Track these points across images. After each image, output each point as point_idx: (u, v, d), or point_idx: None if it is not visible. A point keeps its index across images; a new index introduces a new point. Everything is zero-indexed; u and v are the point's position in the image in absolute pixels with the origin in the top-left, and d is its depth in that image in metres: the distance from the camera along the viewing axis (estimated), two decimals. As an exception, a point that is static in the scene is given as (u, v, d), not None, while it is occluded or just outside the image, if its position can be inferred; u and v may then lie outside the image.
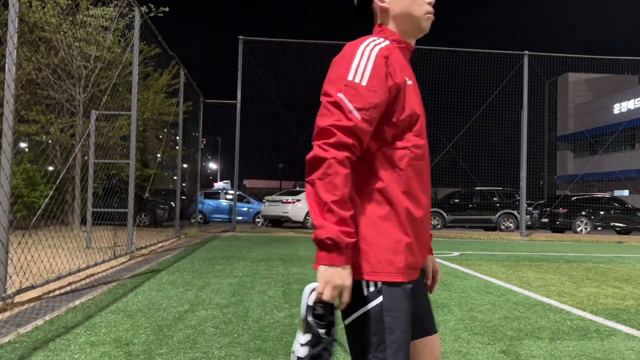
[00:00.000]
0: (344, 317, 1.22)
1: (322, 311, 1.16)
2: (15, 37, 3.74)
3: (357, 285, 1.17)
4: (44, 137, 11.71)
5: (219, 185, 28.67)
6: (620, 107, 38.21)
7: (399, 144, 1.21)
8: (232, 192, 17.52)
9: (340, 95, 1.14)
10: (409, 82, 1.24)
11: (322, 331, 1.14)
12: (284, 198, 15.83)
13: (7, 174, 3.66)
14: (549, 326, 3.49)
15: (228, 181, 28.46)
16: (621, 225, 17.31)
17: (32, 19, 10.34)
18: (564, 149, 45.29)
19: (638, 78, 41.20)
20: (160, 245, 8.86)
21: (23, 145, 12.84)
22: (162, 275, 5.37)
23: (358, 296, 1.17)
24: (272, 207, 16.07)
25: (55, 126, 11.60)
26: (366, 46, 1.21)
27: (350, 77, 1.16)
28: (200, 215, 17.57)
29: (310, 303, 1.13)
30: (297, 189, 17.54)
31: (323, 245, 1.08)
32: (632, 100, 37.13)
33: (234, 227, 14.24)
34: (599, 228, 17.36)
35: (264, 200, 16.66)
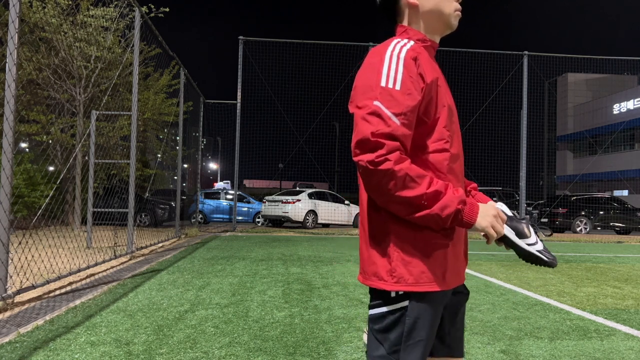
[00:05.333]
0: (370, 308, 1.24)
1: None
2: (15, 37, 3.75)
3: (388, 292, 1.20)
4: (45, 137, 11.71)
5: (219, 185, 28.67)
6: (620, 107, 38.21)
7: (436, 146, 1.20)
8: (232, 192, 17.53)
9: (377, 103, 1.13)
10: (440, 82, 1.23)
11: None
12: (284, 198, 15.84)
13: (8, 174, 3.67)
14: (549, 326, 3.50)
15: (228, 181, 28.44)
16: (620, 225, 17.32)
17: (33, 19, 10.35)
18: (564, 149, 45.30)
19: (638, 78, 41.23)
20: (160, 245, 8.86)
21: (24, 145, 12.84)
22: (163, 275, 5.38)
23: (386, 295, 1.19)
24: (272, 207, 16.07)
25: (55, 126, 11.60)
26: (393, 49, 1.20)
27: (383, 84, 1.14)
28: (201, 215, 17.58)
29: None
30: (297, 189, 17.53)
31: (460, 213, 1.13)
32: (631, 101, 37.14)
33: (234, 227, 14.25)
34: (599, 228, 17.37)
35: (264, 200, 16.67)
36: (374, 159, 1.09)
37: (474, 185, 1.46)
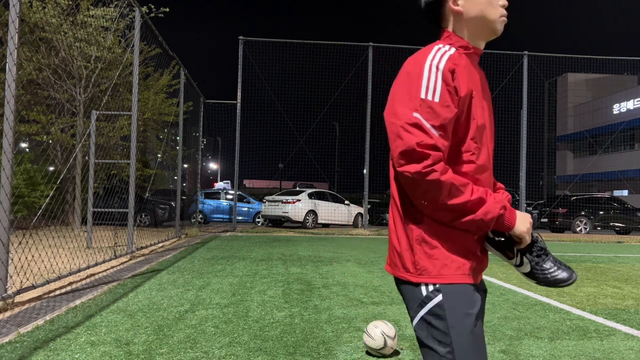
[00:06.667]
0: (412, 317, 1.26)
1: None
2: (16, 37, 3.75)
3: (418, 288, 1.22)
4: (45, 137, 11.72)
5: (219, 185, 28.67)
6: (620, 108, 38.21)
7: (463, 157, 1.23)
8: (232, 192, 17.53)
9: (417, 115, 1.14)
10: (474, 94, 1.25)
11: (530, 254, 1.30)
12: (284, 198, 15.84)
13: (8, 174, 3.67)
14: (549, 326, 3.50)
15: (228, 181, 28.45)
16: (620, 225, 17.31)
17: (33, 20, 10.35)
18: (564, 149, 45.30)
19: (638, 78, 41.23)
20: (160, 245, 8.87)
21: (24, 145, 12.84)
22: (163, 275, 5.38)
23: (419, 299, 1.22)
24: (272, 207, 16.08)
25: (55, 126, 11.60)
26: (433, 57, 1.20)
27: (423, 95, 1.16)
28: (201, 215, 17.58)
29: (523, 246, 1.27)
30: (297, 189, 17.53)
31: (502, 217, 1.18)
32: (631, 101, 37.14)
33: (234, 227, 14.25)
34: (599, 228, 17.36)
35: (264, 200, 16.67)
36: (421, 169, 1.12)
37: (501, 185, 1.48)
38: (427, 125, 1.13)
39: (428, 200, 1.16)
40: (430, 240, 1.21)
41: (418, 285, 1.22)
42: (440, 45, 1.26)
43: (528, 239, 1.23)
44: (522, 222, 1.21)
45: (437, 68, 1.18)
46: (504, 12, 1.31)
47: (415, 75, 1.18)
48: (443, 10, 1.33)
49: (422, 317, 1.21)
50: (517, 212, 1.23)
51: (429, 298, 1.20)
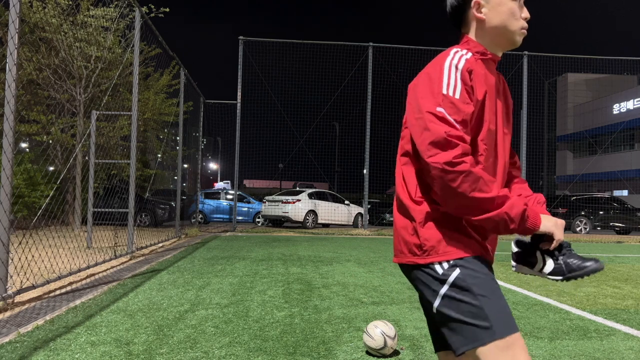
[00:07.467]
0: (431, 301, 1.26)
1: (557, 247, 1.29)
2: (16, 37, 3.75)
3: (432, 269, 1.24)
4: (45, 137, 11.72)
5: (219, 185, 28.67)
6: (620, 108, 38.21)
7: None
8: (232, 192, 17.53)
9: (440, 109, 1.18)
10: (488, 97, 1.29)
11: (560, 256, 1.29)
12: (284, 198, 15.84)
13: (8, 174, 3.68)
14: (549, 326, 3.50)
15: (228, 181, 28.43)
16: (620, 225, 17.32)
17: (33, 20, 10.35)
18: (564, 149, 45.30)
19: (637, 78, 41.22)
20: (160, 245, 8.87)
21: (24, 145, 12.85)
22: (163, 275, 5.38)
23: (436, 279, 1.24)
24: (272, 207, 16.08)
25: (56, 126, 11.61)
26: (452, 59, 1.25)
27: (445, 91, 1.20)
28: (201, 215, 17.58)
29: (552, 248, 1.27)
30: (297, 189, 17.53)
31: (525, 214, 1.18)
32: (631, 101, 37.14)
33: (234, 227, 14.25)
34: (599, 228, 17.37)
35: (264, 200, 16.67)
36: (452, 159, 1.14)
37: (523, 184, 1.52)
38: (450, 119, 1.18)
39: (454, 193, 1.16)
40: (435, 223, 1.25)
41: (431, 265, 1.24)
42: (458, 49, 1.30)
43: (559, 234, 1.22)
44: (547, 219, 1.22)
45: (457, 68, 1.23)
46: (525, 24, 1.35)
47: (436, 75, 1.23)
48: (466, 15, 1.37)
49: (444, 295, 1.22)
50: (544, 215, 1.24)
51: (446, 275, 1.22)
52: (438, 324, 1.27)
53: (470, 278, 1.20)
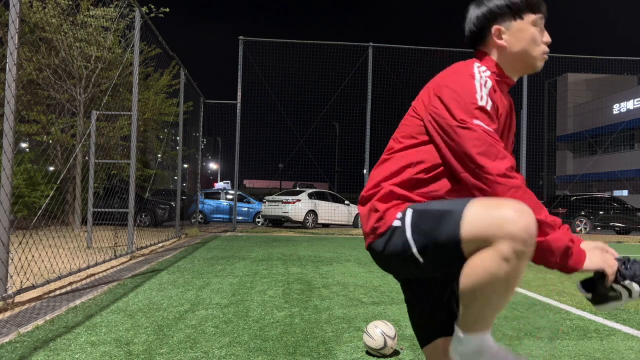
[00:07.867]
0: (410, 244, 1.18)
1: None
2: (16, 37, 3.75)
3: (392, 229, 1.20)
4: (45, 137, 11.72)
5: (219, 185, 28.67)
6: (620, 108, 38.21)
7: None
8: (232, 192, 17.52)
9: (478, 122, 1.16)
10: (500, 118, 1.29)
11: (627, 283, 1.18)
12: (284, 198, 15.83)
13: (8, 174, 3.68)
14: (549, 326, 3.50)
15: (228, 181, 28.43)
16: (620, 225, 17.31)
17: (33, 20, 10.35)
18: (564, 149, 45.29)
19: (637, 78, 41.21)
20: (160, 245, 8.87)
21: (24, 145, 12.85)
22: (163, 275, 5.38)
23: (399, 231, 1.19)
24: (272, 207, 16.07)
25: (56, 126, 11.60)
26: (479, 73, 1.24)
27: (479, 102, 1.18)
28: (201, 215, 17.58)
29: (608, 284, 1.17)
30: (297, 189, 17.53)
31: (570, 250, 1.11)
32: (631, 101, 37.14)
33: (234, 227, 14.25)
34: (599, 228, 17.36)
35: (264, 200, 16.66)
36: (505, 172, 1.11)
37: None
38: (488, 129, 1.16)
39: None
40: (391, 197, 1.26)
41: (391, 226, 1.20)
42: (479, 64, 1.28)
43: (611, 263, 1.14)
44: (593, 254, 1.14)
45: (486, 79, 1.23)
46: (547, 49, 1.32)
47: (469, 81, 1.21)
48: (486, 41, 1.34)
49: (412, 231, 1.16)
50: (589, 249, 1.15)
51: (403, 218, 1.19)
52: (428, 265, 1.17)
53: (425, 205, 1.19)
